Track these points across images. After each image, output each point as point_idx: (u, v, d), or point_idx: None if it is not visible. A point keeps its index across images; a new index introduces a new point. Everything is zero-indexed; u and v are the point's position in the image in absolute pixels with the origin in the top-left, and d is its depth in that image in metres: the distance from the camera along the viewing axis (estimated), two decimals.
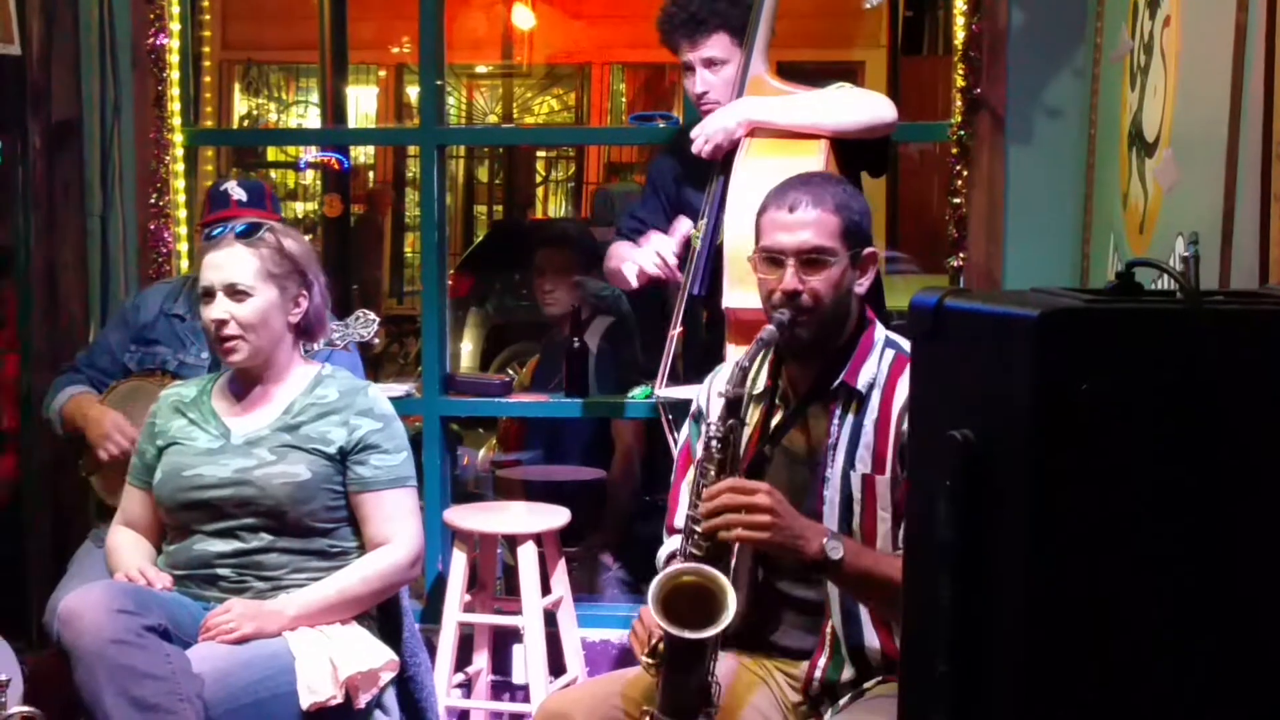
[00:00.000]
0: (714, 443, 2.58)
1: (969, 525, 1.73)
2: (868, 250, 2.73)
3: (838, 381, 2.70)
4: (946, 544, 1.75)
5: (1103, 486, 1.62)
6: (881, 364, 2.71)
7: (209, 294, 3.15)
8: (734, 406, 2.59)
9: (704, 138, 3.55)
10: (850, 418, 2.69)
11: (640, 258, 3.66)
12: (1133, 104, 3.41)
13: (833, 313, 2.68)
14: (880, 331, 2.77)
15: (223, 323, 3.13)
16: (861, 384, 2.69)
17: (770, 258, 2.69)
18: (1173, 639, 1.65)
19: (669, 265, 3.64)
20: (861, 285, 2.73)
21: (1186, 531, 1.63)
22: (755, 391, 2.78)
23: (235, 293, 3.14)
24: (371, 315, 3.64)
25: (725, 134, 3.52)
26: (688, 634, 2.46)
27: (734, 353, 3.34)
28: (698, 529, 2.53)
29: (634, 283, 3.71)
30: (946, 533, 1.75)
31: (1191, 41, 2.92)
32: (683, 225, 3.70)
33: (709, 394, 2.87)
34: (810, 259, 2.65)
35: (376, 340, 3.77)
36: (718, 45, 3.65)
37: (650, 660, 2.58)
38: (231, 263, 3.15)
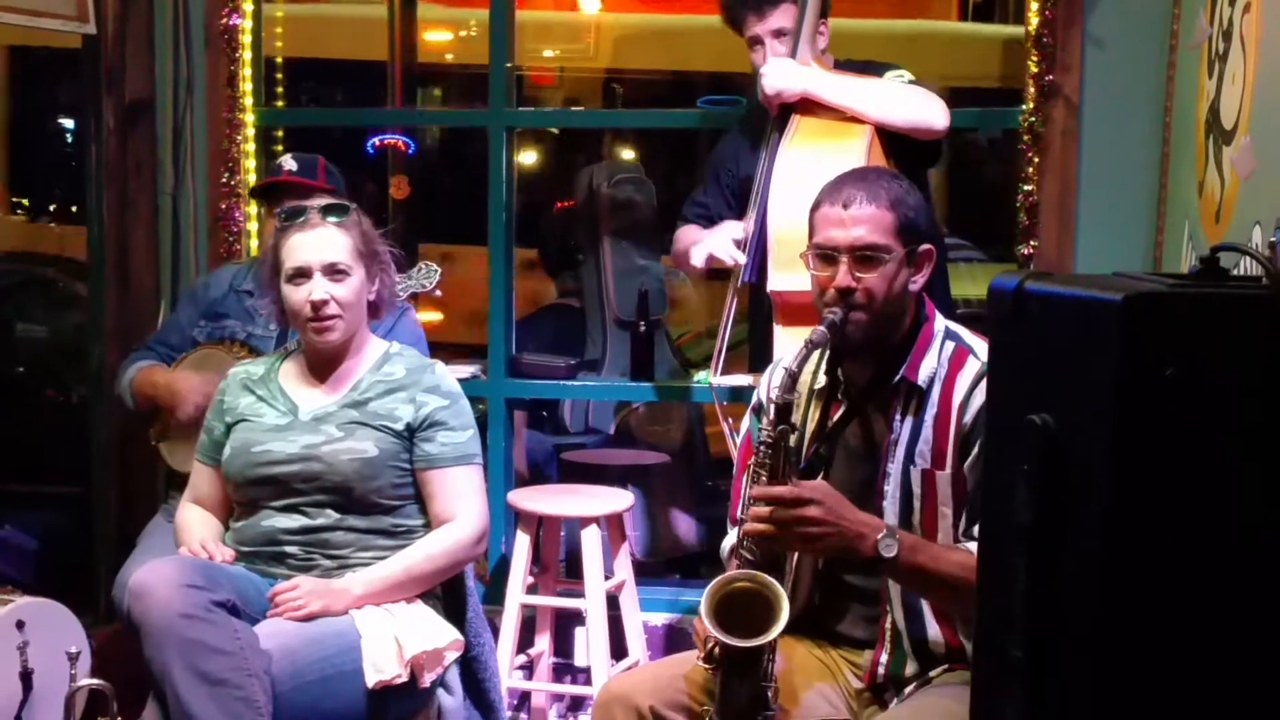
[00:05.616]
0: (763, 448, 2.56)
1: (1047, 510, 1.72)
2: (924, 247, 2.68)
3: (898, 377, 2.67)
4: (1023, 528, 1.73)
5: (1184, 472, 1.60)
6: (942, 357, 2.68)
7: (304, 274, 3.14)
8: (783, 412, 2.56)
9: (770, 84, 3.54)
10: (911, 413, 2.66)
11: (713, 243, 3.63)
12: (1210, 91, 3.37)
13: (886, 310, 2.63)
14: (940, 323, 2.73)
15: (324, 302, 3.13)
16: (922, 379, 2.66)
17: (823, 254, 2.65)
18: (1254, 625, 1.62)
19: (735, 254, 3.59)
20: (916, 282, 2.68)
21: (1269, 518, 1.61)
22: (816, 387, 2.76)
23: (335, 272, 3.14)
24: (434, 266, 3.66)
25: (789, 89, 3.51)
26: (739, 642, 2.45)
27: (781, 335, 3.34)
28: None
29: (700, 265, 3.67)
30: (1024, 516, 1.73)
31: (1273, 28, 2.88)
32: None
33: (768, 386, 2.83)
34: (864, 255, 2.61)
35: (438, 292, 3.79)
36: (786, 15, 3.63)
37: (707, 665, 2.57)
38: (327, 243, 3.15)
